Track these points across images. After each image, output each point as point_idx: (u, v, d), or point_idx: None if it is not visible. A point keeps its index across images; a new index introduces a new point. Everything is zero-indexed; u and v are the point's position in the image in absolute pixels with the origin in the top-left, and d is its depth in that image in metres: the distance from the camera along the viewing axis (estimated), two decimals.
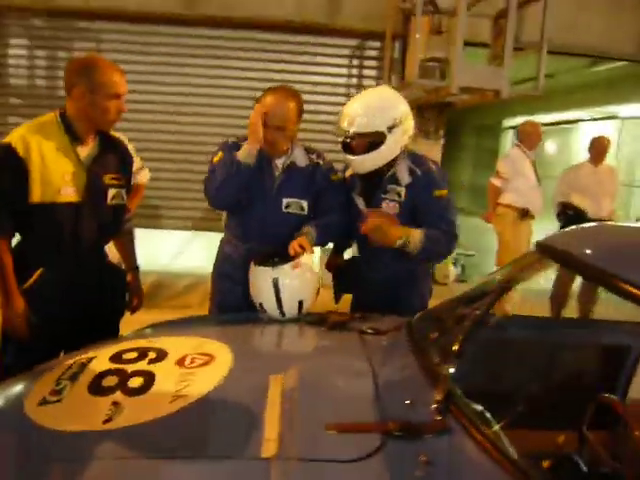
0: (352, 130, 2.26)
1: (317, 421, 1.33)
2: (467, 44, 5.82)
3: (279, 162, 2.40)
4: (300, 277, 2.11)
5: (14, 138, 2.00)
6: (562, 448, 1.56)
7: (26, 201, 2.01)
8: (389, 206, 2.32)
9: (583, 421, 1.38)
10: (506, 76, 4.48)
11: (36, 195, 2.02)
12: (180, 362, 1.65)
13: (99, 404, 1.44)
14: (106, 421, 1.37)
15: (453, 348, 1.50)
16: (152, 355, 1.70)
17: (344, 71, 6.18)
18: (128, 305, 2.45)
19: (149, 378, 1.55)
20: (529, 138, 4.93)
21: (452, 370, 1.44)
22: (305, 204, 2.40)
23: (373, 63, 6.07)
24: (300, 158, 2.42)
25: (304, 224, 2.35)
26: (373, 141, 2.25)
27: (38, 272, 2.10)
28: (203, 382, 1.53)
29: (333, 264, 2.65)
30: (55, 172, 2.03)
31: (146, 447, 1.28)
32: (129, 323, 2.43)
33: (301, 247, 2.19)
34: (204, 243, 5.30)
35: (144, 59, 5.58)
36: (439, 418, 1.31)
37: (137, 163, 3.43)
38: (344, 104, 6.53)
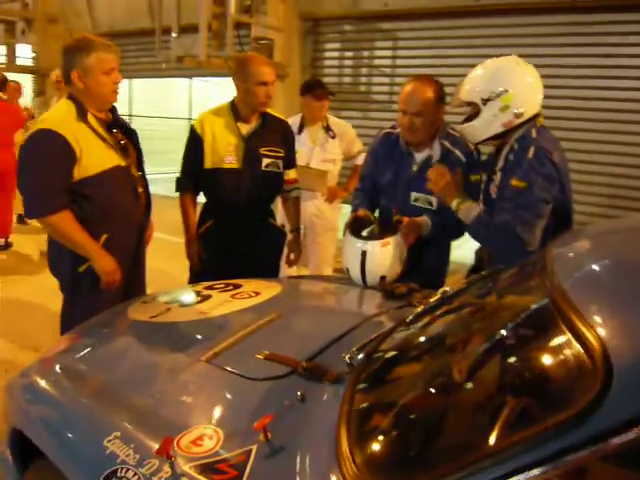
0: (457, 95, 2.23)
1: (263, 348, 1.58)
2: None
3: (418, 156, 2.51)
4: (387, 255, 2.24)
5: (196, 121, 2.70)
6: None
7: (202, 166, 2.68)
8: (492, 190, 2.20)
9: None
10: None
11: (208, 162, 2.68)
12: (235, 294, 2.05)
13: (160, 307, 1.98)
14: (152, 317, 1.90)
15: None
16: (229, 288, 2.15)
17: None
18: (287, 260, 2.96)
19: (203, 299, 2.01)
20: None
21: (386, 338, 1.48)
22: (434, 200, 2.44)
23: None
24: (437, 151, 2.47)
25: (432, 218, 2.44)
26: (473, 111, 2.17)
27: (209, 222, 2.77)
28: (228, 308, 1.92)
29: None
30: (221, 144, 2.66)
31: (150, 334, 1.77)
32: None
33: (405, 225, 2.32)
34: None
35: (433, 53, 5.92)
36: (346, 371, 1.41)
37: (358, 147, 3.90)
38: None
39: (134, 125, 2.61)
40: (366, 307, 2.07)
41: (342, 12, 6.34)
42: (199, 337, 1.75)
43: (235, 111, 2.68)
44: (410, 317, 1.53)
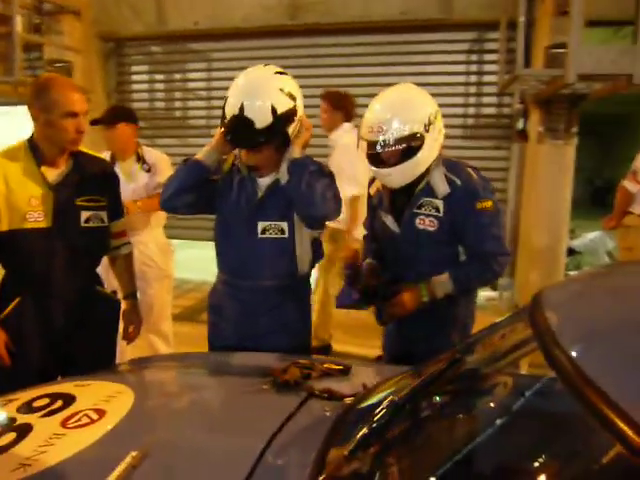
0: (383, 138, 1.89)
1: None
2: (607, 23, 4.97)
3: (263, 182, 2.05)
4: None
5: None
6: None
7: None
8: (425, 223, 2.01)
9: None
10: None
11: (4, 223, 1.97)
12: (67, 419, 1.42)
13: None
14: None
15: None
16: (56, 404, 1.51)
17: (462, 68, 5.64)
18: (125, 334, 2.33)
19: (19, 436, 1.36)
20: None
21: None
22: (285, 226, 2.01)
23: (494, 56, 5.42)
24: (285, 174, 2.00)
25: (285, 249, 2.03)
26: (409, 147, 1.90)
27: (14, 302, 2.05)
28: (59, 450, 1.29)
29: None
30: (21, 197, 1.97)
31: None
32: None
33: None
34: None
35: None
36: None
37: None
38: (463, 105, 5.96)
39: None
40: (257, 416, 1.44)
41: (148, 32, 5.73)
42: None
43: (36, 152, 2.01)
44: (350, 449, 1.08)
